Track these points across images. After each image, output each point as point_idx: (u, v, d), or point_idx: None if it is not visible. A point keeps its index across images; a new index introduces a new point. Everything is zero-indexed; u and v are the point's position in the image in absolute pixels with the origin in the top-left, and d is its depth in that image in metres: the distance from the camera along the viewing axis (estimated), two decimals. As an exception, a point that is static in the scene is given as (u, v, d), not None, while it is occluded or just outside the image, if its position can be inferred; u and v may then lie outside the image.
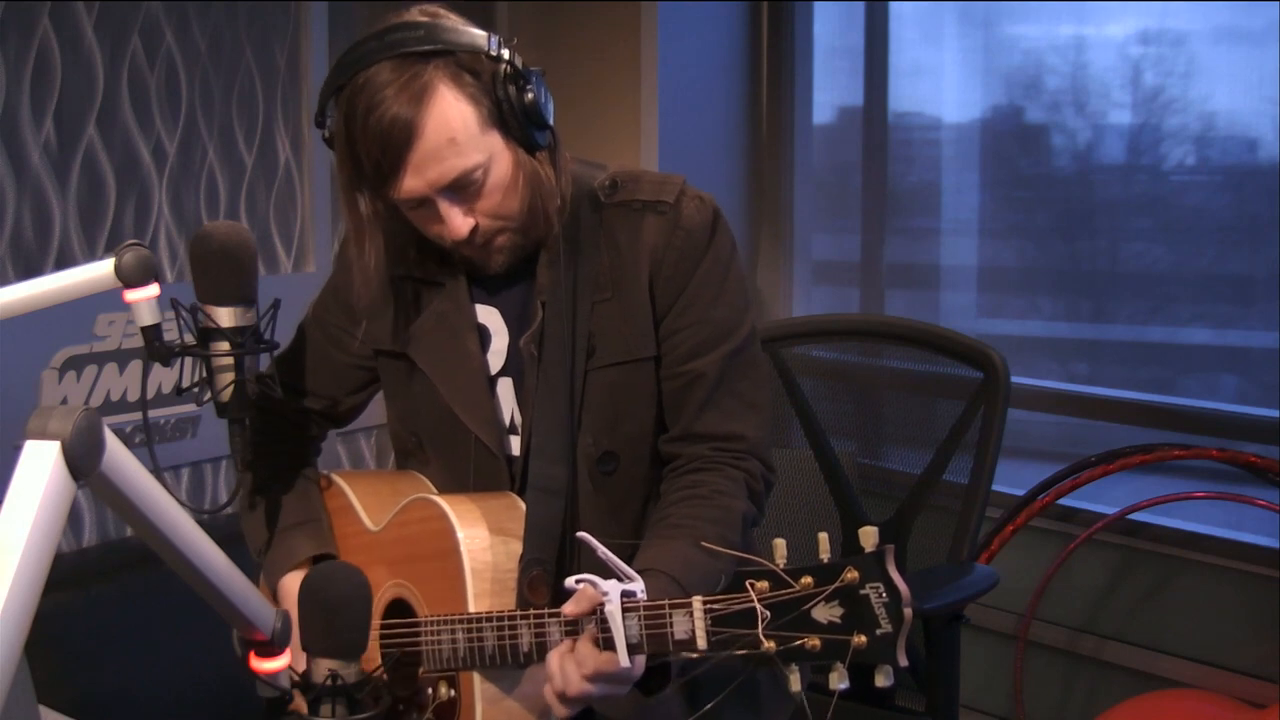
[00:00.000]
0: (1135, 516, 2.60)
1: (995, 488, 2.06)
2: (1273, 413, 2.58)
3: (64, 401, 2.36)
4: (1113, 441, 2.67)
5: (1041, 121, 3.03)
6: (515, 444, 1.57)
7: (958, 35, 3.13)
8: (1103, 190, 2.96)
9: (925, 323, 2.22)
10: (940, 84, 3.18)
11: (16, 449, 0.92)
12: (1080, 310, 3.07)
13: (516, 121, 1.43)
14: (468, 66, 1.41)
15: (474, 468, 1.57)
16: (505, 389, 1.57)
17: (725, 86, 3.13)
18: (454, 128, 1.40)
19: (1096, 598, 2.70)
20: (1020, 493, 2.69)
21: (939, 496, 2.11)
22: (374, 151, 1.39)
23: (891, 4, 3.13)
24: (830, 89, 3.25)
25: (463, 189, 1.43)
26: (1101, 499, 2.66)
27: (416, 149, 1.38)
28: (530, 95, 1.43)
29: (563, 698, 1.33)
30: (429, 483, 1.62)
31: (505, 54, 1.43)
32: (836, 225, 3.33)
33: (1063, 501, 2.65)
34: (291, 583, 1.57)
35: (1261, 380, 2.75)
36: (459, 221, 1.43)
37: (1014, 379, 2.08)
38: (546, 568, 1.46)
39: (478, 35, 1.43)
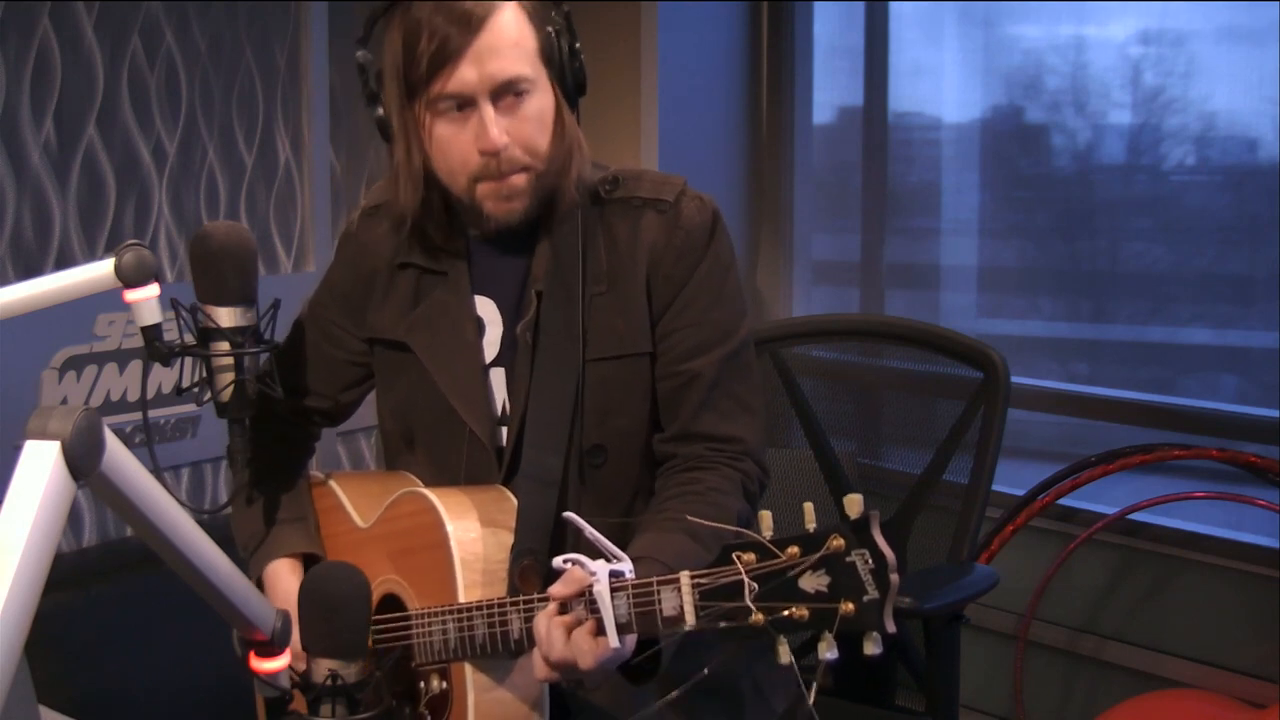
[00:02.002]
0: (1135, 516, 2.60)
1: (995, 488, 2.05)
2: (1273, 413, 2.58)
3: (64, 401, 2.36)
4: (1113, 441, 2.67)
5: (1041, 121, 3.03)
6: (504, 434, 1.56)
7: (958, 35, 3.13)
8: (1103, 190, 2.96)
9: (925, 323, 2.22)
10: (940, 84, 3.18)
11: (16, 449, 0.92)
12: (1080, 310, 3.07)
13: (564, 71, 1.48)
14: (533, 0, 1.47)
15: (466, 460, 1.57)
16: (497, 379, 1.57)
17: (725, 86, 3.13)
18: (518, 34, 1.44)
19: (1096, 598, 2.70)
20: (1020, 493, 2.69)
21: (939, 496, 2.11)
22: (438, 34, 1.41)
23: (891, 4, 3.13)
24: (830, 89, 3.25)
25: (507, 100, 1.44)
26: (1101, 499, 2.66)
27: (482, 36, 1.41)
28: (580, 60, 1.49)
29: (548, 660, 1.32)
30: (419, 481, 1.62)
31: (566, 10, 1.49)
32: (836, 225, 3.33)
33: (1063, 501, 2.65)
34: (276, 571, 1.58)
35: (1261, 380, 2.75)
36: (497, 131, 1.44)
37: (1014, 379, 2.07)
38: (538, 558, 1.46)
39: None
